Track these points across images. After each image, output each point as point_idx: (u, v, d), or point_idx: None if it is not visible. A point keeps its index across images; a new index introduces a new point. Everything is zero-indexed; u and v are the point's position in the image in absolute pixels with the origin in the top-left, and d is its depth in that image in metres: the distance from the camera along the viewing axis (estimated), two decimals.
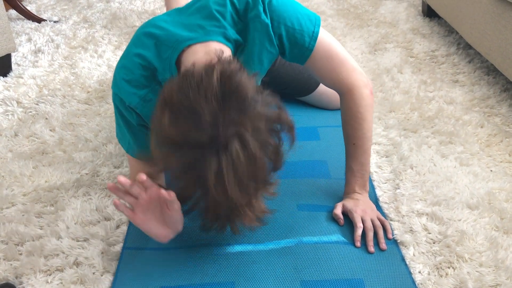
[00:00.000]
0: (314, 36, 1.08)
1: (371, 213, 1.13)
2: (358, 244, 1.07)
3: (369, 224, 1.10)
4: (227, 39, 1.02)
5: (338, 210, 1.14)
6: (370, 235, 1.09)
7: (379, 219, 1.13)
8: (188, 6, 1.10)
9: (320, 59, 1.11)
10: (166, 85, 0.86)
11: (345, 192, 1.18)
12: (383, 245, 1.08)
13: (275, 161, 0.87)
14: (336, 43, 1.13)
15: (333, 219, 1.14)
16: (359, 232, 1.09)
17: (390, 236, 1.11)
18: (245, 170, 0.81)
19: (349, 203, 1.14)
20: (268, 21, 1.04)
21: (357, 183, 1.16)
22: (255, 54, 1.06)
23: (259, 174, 0.84)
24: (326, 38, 1.11)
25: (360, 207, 1.13)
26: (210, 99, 0.80)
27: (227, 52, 0.97)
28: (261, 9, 1.03)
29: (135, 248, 1.08)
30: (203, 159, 0.80)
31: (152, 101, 0.98)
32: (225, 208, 0.86)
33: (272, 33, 1.05)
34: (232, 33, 1.02)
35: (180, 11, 1.10)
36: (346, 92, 1.13)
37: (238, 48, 1.06)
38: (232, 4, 1.05)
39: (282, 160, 0.89)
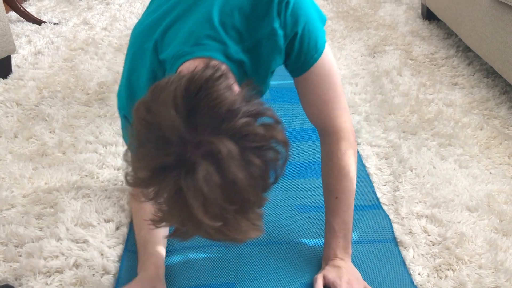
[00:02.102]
0: (319, 50, 0.95)
1: (357, 284, 0.98)
2: None
3: None
4: (227, 58, 0.89)
5: (319, 285, 0.98)
6: None
7: None
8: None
9: (315, 79, 0.97)
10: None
11: (325, 257, 1.03)
12: None
13: (263, 182, 0.71)
14: (338, 75, 1.00)
15: None
16: None
17: None
18: (217, 195, 0.67)
19: (330, 274, 0.99)
20: (282, 38, 0.90)
21: (339, 246, 1.01)
22: (261, 70, 0.95)
23: (239, 198, 0.69)
24: (330, 61, 0.98)
25: (344, 279, 0.98)
26: (173, 114, 0.66)
27: (223, 68, 0.80)
28: (276, 25, 0.89)
29: (136, 251, 1.08)
30: (164, 184, 0.67)
31: None
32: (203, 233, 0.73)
33: (283, 47, 0.93)
34: (234, 52, 0.89)
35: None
36: (331, 134, 0.99)
37: (241, 67, 0.93)
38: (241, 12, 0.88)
39: (274, 179, 0.73)
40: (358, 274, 1.00)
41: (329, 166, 1.02)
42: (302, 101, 1.02)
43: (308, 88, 0.98)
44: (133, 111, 0.71)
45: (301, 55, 0.95)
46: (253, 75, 0.95)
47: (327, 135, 1.01)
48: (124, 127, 1.04)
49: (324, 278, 0.99)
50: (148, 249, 1.01)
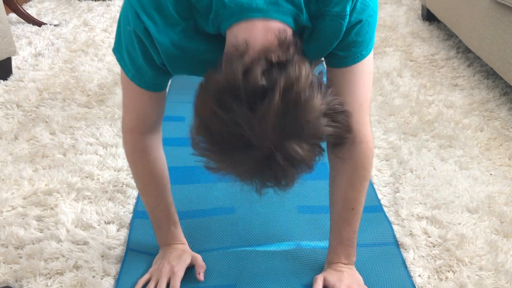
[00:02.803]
0: (369, 49, 0.88)
1: None
2: None
3: None
4: (296, 24, 0.78)
5: (319, 285, 0.97)
6: None
7: None
8: None
9: (357, 77, 0.88)
10: (203, 89, 0.70)
11: (328, 261, 1.01)
12: None
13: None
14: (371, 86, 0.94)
15: None
16: None
17: None
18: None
19: (331, 276, 0.98)
20: (345, 25, 0.82)
21: (344, 253, 0.99)
22: (312, 47, 0.85)
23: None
24: (371, 64, 0.92)
25: (345, 282, 0.96)
26: (265, 128, 0.66)
27: (289, 33, 0.76)
28: (348, 8, 0.80)
29: (138, 251, 1.09)
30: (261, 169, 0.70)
31: (185, 50, 0.80)
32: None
33: (342, 34, 0.84)
34: (305, 19, 0.79)
35: None
36: (361, 143, 0.91)
37: (302, 34, 0.83)
38: None
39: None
40: (360, 279, 0.99)
41: (354, 178, 0.94)
42: None
43: (347, 84, 0.88)
44: (198, 106, 0.70)
45: (354, 45, 0.86)
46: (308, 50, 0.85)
47: (354, 144, 0.90)
48: (130, 22, 0.80)
49: (325, 280, 0.98)
50: (171, 227, 1.05)
